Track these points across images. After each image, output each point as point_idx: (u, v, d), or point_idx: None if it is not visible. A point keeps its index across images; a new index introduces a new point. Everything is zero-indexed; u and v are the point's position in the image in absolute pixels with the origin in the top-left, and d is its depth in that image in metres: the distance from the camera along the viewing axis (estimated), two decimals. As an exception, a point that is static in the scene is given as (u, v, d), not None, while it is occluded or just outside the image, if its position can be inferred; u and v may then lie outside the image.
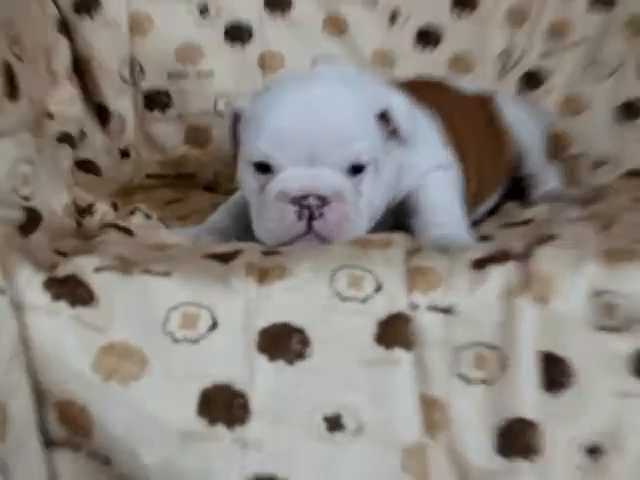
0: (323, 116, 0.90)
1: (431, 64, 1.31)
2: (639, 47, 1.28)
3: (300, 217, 0.87)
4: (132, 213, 0.99)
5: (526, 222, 1.02)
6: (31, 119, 0.96)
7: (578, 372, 0.75)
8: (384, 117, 0.94)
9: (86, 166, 1.15)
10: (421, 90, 1.06)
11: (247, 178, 0.92)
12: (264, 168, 0.90)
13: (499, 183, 1.14)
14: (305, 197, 0.87)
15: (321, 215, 0.88)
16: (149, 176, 1.25)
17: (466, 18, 1.36)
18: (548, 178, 1.21)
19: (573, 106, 1.28)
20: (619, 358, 0.75)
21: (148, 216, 1.00)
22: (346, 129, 0.91)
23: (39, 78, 1.04)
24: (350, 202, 0.89)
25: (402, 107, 0.95)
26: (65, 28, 1.24)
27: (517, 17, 1.34)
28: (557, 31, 1.32)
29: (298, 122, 0.90)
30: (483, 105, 1.17)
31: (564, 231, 0.86)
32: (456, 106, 1.10)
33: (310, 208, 0.87)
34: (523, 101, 1.28)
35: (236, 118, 0.95)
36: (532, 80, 1.34)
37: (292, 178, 0.88)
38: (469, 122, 1.10)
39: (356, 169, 0.91)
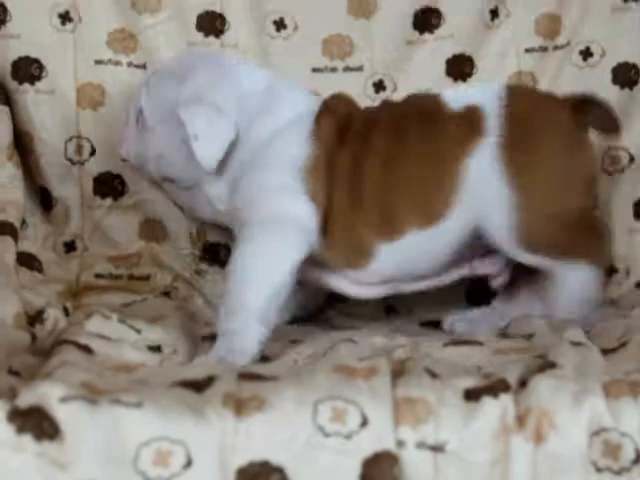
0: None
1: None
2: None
3: None
4: (89, 317, 1.06)
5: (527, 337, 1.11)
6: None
7: (577, 517, 0.84)
8: None
9: (27, 261, 1.20)
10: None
11: None
12: None
13: (429, 217, 1.18)
14: None
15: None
16: (98, 275, 1.30)
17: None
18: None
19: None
20: (622, 502, 0.84)
21: (106, 317, 1.08)
22: (148, 79, 1.25)
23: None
24: (130, 123, 1.25)
25: (202, 122, 1.17)
26: (5, 98, 1.29)
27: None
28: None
29: None
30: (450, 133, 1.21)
31: (565, 358, 0.94)
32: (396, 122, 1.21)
33: None
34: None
35: None
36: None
37: None
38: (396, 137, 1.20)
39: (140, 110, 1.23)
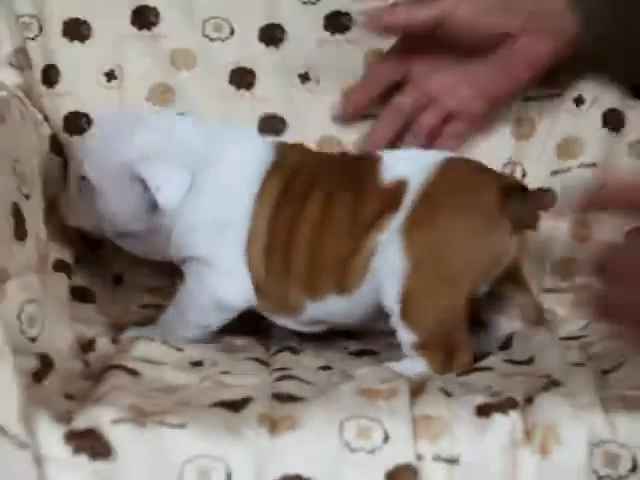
0: None
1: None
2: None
3: None
4: (134, 342, 1.16)
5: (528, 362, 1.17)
6: (36, 257, 1.10)
7: (581, 522, 0.91)
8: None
9: (80, 294, 1.29)
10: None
11: None
12: None
13: (345, 287, 1.21)
14: None
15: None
16: (144, 306, 1.39)
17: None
18: None
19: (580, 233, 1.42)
20: (620, 508, 0.90)
21: (150, 339, 1.18)
22: (85, 150, 1.30)
23: (40, 207, 1.19)
24: (73, 191, 1.30)
25: (165, 179, 1.22)
26: (58, 149, 1.38)
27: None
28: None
29: None
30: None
31: (567, 378, 1.02)
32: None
33: None
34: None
35: None
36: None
37: None
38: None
39: (83, 178, 1.27)
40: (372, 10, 1.32)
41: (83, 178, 1.26)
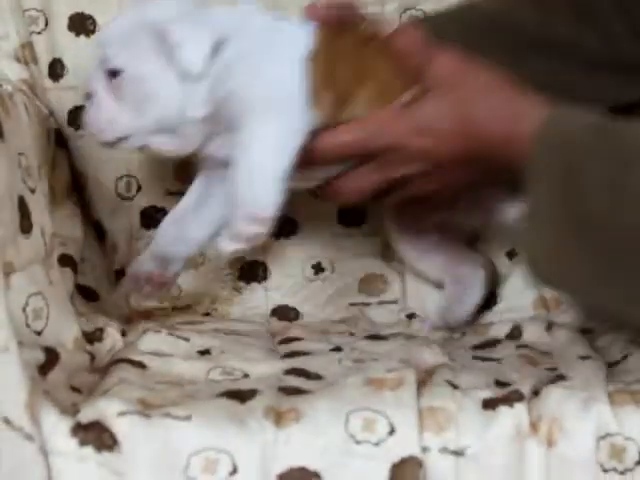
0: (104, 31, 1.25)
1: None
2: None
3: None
4: (140, 336, 1.15)
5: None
6: (42, 250, 1.09)
7: (586, 513, 0.89)
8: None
9: (84, 293, 1.27)
10: None
11: None
12: None
13: None
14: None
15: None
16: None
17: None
18: None
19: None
20: (626, 500, 0.88)
21: (156, 331, 1.16)
22: (105, 38, 1.18)
23: (45, 201, 1.17)
24: (103, 98, 1.15)
25: (192, 38, 1.13)
26: (63, 142, 1.37)
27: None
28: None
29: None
30: None
31: (575, 371, 1.01)
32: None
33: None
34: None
35: None
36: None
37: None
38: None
39: (112, 73, 1.15)
40: None
41: (112, 74, 1.15)
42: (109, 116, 1.16)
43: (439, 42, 1.14)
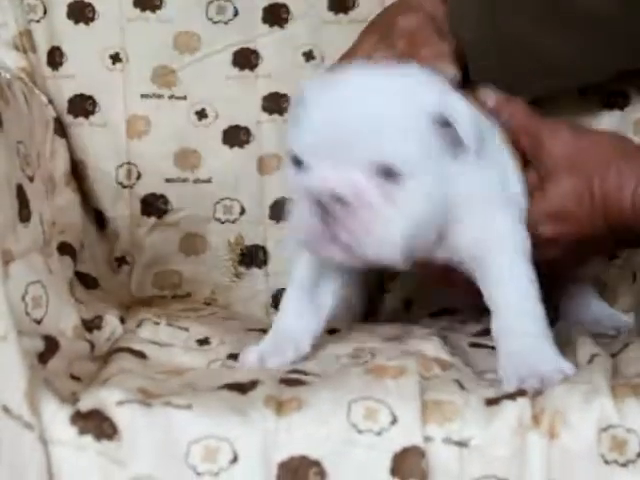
0: (359, 107, 0.95)
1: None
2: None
3: (318, 216, 0.94)
4: (139, 325, 1.14)
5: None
6: (41, 238, 1.08)
7: (588, 505, 0.88)
8: (444, 124, 0.97)
9: (84, 281, 1.26)
10: None
11: (288, 171, 1.00)
12: (298, 163, 0.97)
13: None
14: (324, 198, 0.93)
15: (339, 219, 0.93)
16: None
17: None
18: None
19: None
20: (629, 493, 0.88)
21: (155, 322, 1.15)
22: (380, 123, 0.94)
23: (44, 189, 1.16)
24: (375, 207, 0.94)
25: (467, 112, 0.98)
26: (62, 131, 1.35)
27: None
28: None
29: (333, 113, 0.95)
30: None
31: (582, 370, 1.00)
32: None
33: (328, 209, 0.93)
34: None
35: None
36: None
37: (316, 177, 0.95)
38: None
39: (388, 173, 0.95)
40: None
41: (387, 174, 0.95)
42: (382, 228, 0.95)
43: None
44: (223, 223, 1.39)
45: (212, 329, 1.17)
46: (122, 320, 1.16)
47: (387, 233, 0.95)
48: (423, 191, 0.96)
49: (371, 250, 0.94)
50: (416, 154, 0.95)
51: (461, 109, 0.97)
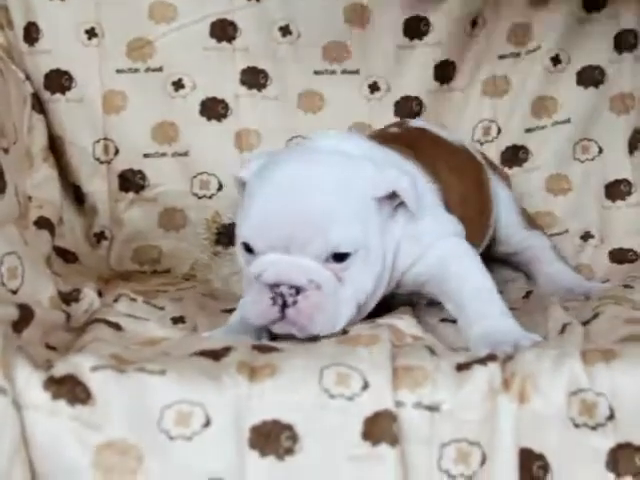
0: (303, 201, 1.01)
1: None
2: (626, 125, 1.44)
3: (274, 303, 1.00)
4: (116, 300, 1.13)
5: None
6: (17, 210, 1.07)
7: (557, 468, 0.88)
8: (382, 198, 1.04)
9: (63, 255, 1.26)
10: (410, 141, 1.21)
11: (239, 252, 1.05)
12: (248, 248, 1.02)
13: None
14: (278, 285, 0.99)
15: (295, 303, 1.00)
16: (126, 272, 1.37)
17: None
18: (545, 256, 1.36)
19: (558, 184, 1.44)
20: (598, 454, 0.88)
21: (132, 299, 1.14)
22: (324, 217, 1.01)
23: (20, 163, 1.15)
24: (328, 291, 1.01)
25: (411, 187, 1.04)
26: (39, 107, 1.35)
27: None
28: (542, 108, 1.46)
29: (279, 207, 1.01)
30: (472, 164, 1.31)
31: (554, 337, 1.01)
32: (445, 157, 1.24)
33: (283, 296, 0.99)
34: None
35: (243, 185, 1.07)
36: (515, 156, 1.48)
37: (268, 264, 1.00)
38: (457, 174, 1.24)
39: (339, 256, 1.01)
40: None
41: (335, 257, 1.02)
42: (328, 306, 1.02)
43: None
44: (200, 198, 1.39)
45: (187, 309, 1.17)
46: (100, 294, 1.16)
47: (339, 310, 1.02)
48: (369, 261, 1.04)
49: (324, 327, 1.01)
50: (360, 234, 1.02)
51: (398, 182, 1.04)
